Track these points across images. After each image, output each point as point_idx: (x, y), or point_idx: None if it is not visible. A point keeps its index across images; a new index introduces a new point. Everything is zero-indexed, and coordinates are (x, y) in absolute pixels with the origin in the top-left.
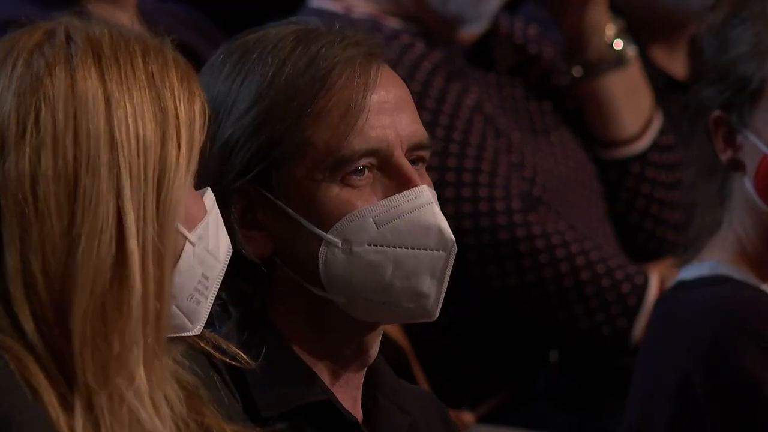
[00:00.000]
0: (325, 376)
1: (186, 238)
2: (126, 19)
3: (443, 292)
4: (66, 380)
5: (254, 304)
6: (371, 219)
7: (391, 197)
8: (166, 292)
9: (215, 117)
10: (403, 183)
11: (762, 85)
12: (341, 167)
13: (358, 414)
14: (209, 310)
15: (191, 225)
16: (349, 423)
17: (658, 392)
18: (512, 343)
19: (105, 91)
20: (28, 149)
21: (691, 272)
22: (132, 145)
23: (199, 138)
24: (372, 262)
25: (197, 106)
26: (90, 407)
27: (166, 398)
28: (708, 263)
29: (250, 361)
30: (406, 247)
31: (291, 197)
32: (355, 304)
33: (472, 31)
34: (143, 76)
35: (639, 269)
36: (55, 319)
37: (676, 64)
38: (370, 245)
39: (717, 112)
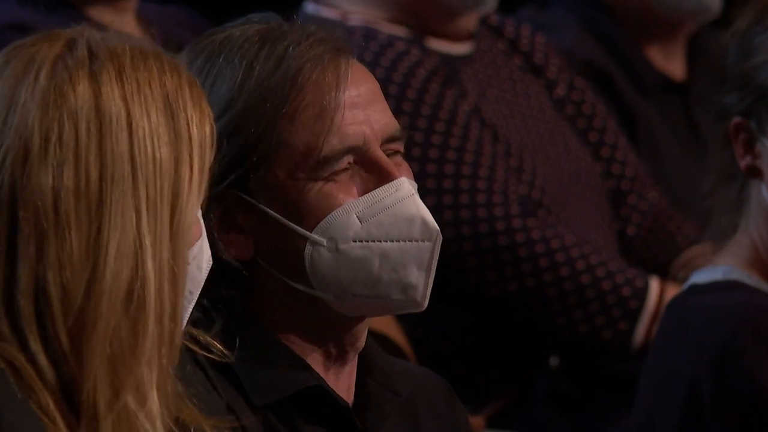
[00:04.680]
0: (316, 367)
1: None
2: (126, 23)
3: (431, 282)
4: (69, 401)
5: (238, 308)
6: (355, 215)
7: (372, 192)
8: (179, 314)
9: None
10: (383, 177)
11: None
12: (323, 167)
13: (351, 402)
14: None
15: (191, 245)
16: (342, 408)
17: (666, 396)
18: (513, 348)
19: (127, 109)
20: (51, 163)
21: (704, 276)
22: (149, 167)
23: (209, 159)
24: (359, 258)
25: (207, 128)
26: (95, 428)
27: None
28: (722, 268)
29: (226, 352)
30: (392, 240)
31: (272, 199)
32: (344, 300)
33: (481, 11)
34: (160, 97)
35: (639, 272)
36: (68, 338)
37: (673, 64)
38: (356, 241)
39: (737, 119)
